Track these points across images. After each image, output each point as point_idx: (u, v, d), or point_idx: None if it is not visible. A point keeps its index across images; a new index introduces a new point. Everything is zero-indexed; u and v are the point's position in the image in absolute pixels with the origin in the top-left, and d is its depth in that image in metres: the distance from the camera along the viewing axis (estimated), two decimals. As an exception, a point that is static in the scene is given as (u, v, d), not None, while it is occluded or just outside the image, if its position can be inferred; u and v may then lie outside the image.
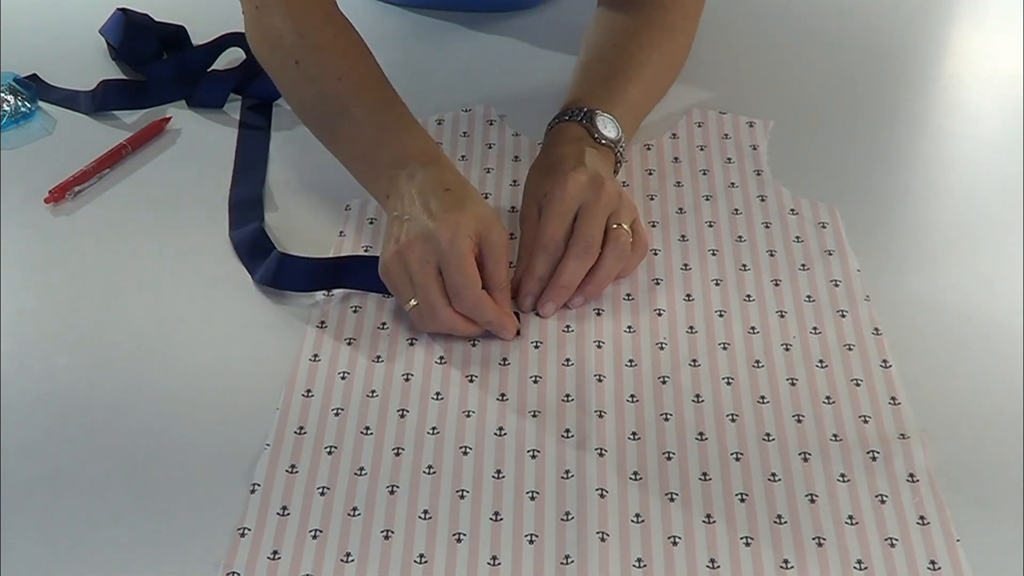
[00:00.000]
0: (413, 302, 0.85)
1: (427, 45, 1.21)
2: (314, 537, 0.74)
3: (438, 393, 0.83)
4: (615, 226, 0.88)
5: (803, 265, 0.94)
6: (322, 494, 0.76)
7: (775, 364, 0.86)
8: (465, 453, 0.79)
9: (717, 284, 0.92)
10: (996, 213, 1.01)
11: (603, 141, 0.94)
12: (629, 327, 0.88)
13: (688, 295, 0.91)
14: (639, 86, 1.01)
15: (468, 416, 0.81)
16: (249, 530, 0.74)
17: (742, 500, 0.76)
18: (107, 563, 0.72)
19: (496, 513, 0.75)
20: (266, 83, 1.04)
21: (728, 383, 0.84)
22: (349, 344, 0.87)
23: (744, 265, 0.94)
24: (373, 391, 0.83)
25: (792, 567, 0.72)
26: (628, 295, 0.91)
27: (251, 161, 1.04)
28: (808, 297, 0.91)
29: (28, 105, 1.09)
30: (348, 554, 0.73)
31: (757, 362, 0.86)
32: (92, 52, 1.18)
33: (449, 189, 0.86)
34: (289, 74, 0.96)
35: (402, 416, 0.81)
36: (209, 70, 1.14)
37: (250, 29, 0.98)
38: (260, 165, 1.03)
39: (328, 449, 0.79)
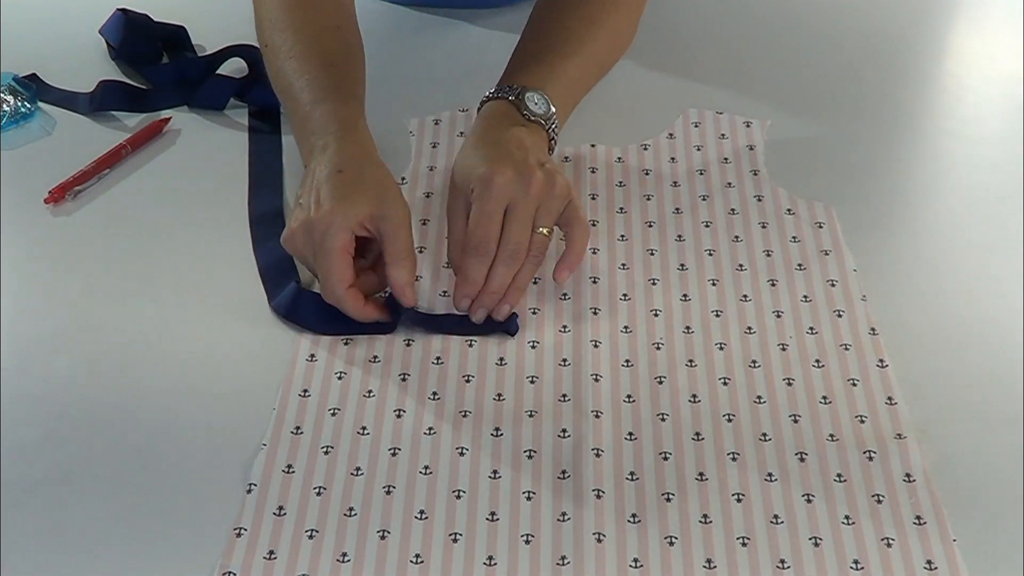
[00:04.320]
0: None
1: (425, 44, 1.21)
2: (310, 537, 0.74)
3: (435, 393, 0.83)
4: (539, 230, 0.87)
5: (800, 265, 0.94)
6: (318, 494, 0.76)
7: (772, 364, 0.86)
8: (462, 454, 0.79)
9: (714, 284, 0.92)
10: (994, 213, 1.01)
11: (531, 118, 0.92)
12: (626, 327, 0.89)
13: (685, 295, 0.91)
14: (577, 62, 0.98)
15: (464, 416, 0.82)
16: (245, 530, 0.74)
17: (739, 500, 0.76)
18: (104, 562, 0.73)
19: (492, 513, 0.75)
20: (268, 90, 1.04)
21: (725, 383, 0.84)
22: (346, 344, 0.87)
23: (741, 265, 0.94)
24: (370, 391, 0.83)
25: (789, 567, 0.72)
26: (625, 295, 0.91)
27: (266, 171, 1.03)
28: (805, 297, 0.91)
29: (28, 105, 1.09)
30: (344, 554, 0.73)
31: (754, 362, 0.86)
32: (92, 52, 1.18)
33: (342, 171, 0.86)
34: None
35: (399, 416, 0.81)
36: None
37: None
38: (276, 176, 1.03)
39: (324, 449, 0.79)
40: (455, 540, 0.74)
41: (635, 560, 0.73)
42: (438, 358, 0.86)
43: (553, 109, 0.94)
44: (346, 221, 0.84)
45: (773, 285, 0.92)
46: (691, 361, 0.86)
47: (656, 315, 0.90)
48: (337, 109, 0.91)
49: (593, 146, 1.06)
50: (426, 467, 0.78)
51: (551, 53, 0.98)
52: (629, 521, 0.75)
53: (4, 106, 1.08)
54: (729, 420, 0.81)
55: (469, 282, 0.87)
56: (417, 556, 0.73)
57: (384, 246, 0.86)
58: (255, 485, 0.77)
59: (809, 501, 0.76)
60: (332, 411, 0.82)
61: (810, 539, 0.74)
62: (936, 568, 0.72)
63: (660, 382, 0.84)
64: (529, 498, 0.76)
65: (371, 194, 0.86)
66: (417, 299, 0.88)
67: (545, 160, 0.90)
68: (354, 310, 0.86)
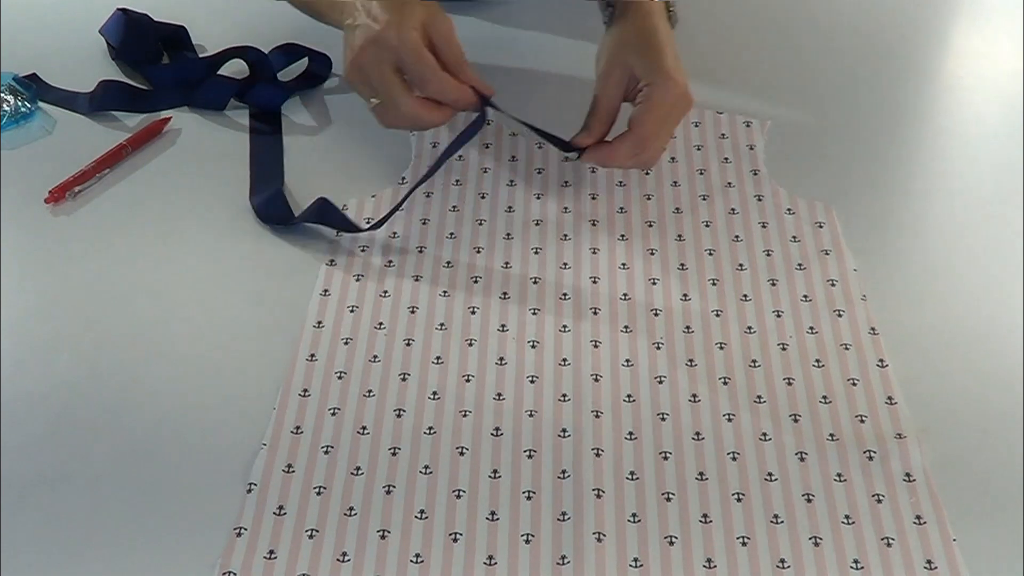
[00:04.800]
0: (375, 100, 0.94)
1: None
2: (310, 537, 0.74)
3: (434, 393, 0.83)
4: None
5: (800, 265, 0.94)
6: (318, 494, 0.76)
7: (772, 364, 0.86)
8: (461, 453, 0.79)
9: (714, 284, 0.93)
10: (994, 213, 1.01)
11: (671, 19, 1.02)
12: (626, 327, 0.89)
13: (685, 295, 0.91)
14: None
15: (464, 416, 0.82)
16: (245, 530, 0.74)
17: (739, 500, 0.76)
18: (104, 562, 0.73)
19: (492, 513, 0.75)
20: (268, 91, 1.03)
21: (725, 383, 0.84)
22: (346, 344, 0.87)
23: (741, 265, 0.94)
24: (370, 391, 0.83)
25: (789, 567, 0.72)
26: (625, 295, 0.91)
27: (267, 172, 1.03)
28: (805, 297, 0.91)
29: (28, 105, 1.09)
30: (344, 554, 0.73)
31: (754, 362, 0.86)
32: (92, 52, 1.18)
33: None
34: None
35: (398, 416, 0.82)
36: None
37: None
38: (277, 177, 1.02)
39: (324, 449, 0.79)
40: (455, 540, 0.74)
41: (635, 560, 0.73)
42: (438, 358, 0.86)
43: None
44: (412, 20, 0.90)
45: (773, 285, 0.92)
46: (691, 361, 0.86)
47: (656, 315, 0.90)
48: None
49: (593, 146, 1.06)
50: (426, 467, 0.78)
51: None
52: (629, 521, 0.75)
53: (4, 106, 1.08)
54: (729, 420, 0.82)
55: (614, 161, 0.96)
56: (417, 556, 0.73)
57: (441, 54, 0.92)
58: (255, 485, 0.77)
59: (809, 501, 0.76)
60: (332, 411, 0.82)
61: (810, 539, 0.74)
62: (936, 568, 0.72)
63: (660, 382, 0.84)
64: (529, 498, 0.76)
65: (419, 5, 0.92)
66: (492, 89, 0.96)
67: None
68: (454, 89, 0.92)
